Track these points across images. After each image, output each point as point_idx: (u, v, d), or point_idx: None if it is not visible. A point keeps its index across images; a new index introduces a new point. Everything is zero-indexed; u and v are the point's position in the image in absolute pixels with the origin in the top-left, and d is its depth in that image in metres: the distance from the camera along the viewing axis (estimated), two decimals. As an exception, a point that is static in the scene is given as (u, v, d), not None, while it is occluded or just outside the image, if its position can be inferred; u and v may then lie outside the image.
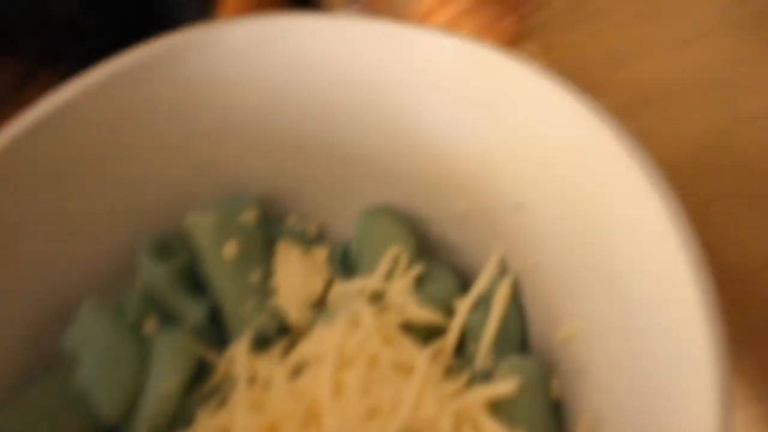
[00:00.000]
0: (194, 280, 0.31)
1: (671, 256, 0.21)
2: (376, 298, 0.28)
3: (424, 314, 0.27)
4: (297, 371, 0.27)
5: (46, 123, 0.26)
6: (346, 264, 0.32)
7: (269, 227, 0.31)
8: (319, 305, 0.30)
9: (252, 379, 0.28)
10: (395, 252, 0.29)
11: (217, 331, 0.30)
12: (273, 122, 0.30)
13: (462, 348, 0.28)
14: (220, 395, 0.28)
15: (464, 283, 0.29)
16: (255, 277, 0.30)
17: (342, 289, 0.29)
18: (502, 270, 0.28)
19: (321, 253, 0.31)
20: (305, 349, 0.27)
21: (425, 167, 0.29)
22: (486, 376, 0.26)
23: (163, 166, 0.30)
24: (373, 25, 0.27)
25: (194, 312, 0.30)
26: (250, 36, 0.27)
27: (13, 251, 0.27)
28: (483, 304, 0.28)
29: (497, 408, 0.25)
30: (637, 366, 0.22)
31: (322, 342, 0.27)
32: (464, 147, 0.28)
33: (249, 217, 0.30)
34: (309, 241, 0.32)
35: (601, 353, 0.25)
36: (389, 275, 0.29)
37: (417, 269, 0.29)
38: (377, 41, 0.27)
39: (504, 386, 0.25)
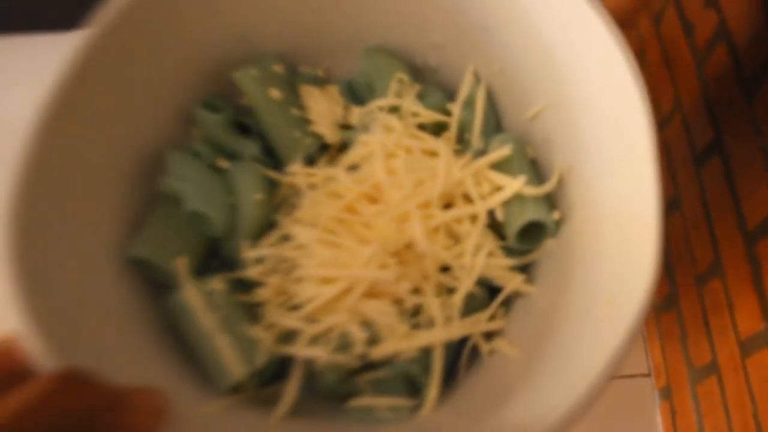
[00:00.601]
0: (240, 128, 0.40)
1: (609, 55, 0.31)
2: (393, 110, 0.39)
3: (431, 115, 0.38)
4: (352, 169, 0.37)
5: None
6: (353, 94, 0.41)
7: (291, 75, 0.40)
8: (343, 127, 0.40)
9: (312, 186, 0.38)
10: (400, 76, 0.39)
11: (269, 163, 0.39)
12: (295, 6, 0.38)
13: (460, 137, 0.39)
14: (289, 204, 0.38)
15: (449, 95, 0.40)
16: (295, 112, 0.39)
17: (362, 110, 0.39)
18: (477, 78, 0.39)
19: (333, 89, 0.41)
20: (355, 152, 0.37)
21: (406, 12, 0.39)
22: (481, 153, 0.38)
23: (210, 33, 0.37)
24: None
25: (250, 147, 0.39)
26: None
27: (127, 106, 0.34)
28: (468, 104, 0.39)
29: (497, 167, 0.36)
30: (583, 137, 0.34)
31: (367, 144, 0.37)
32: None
33: (279, 68, 0.39)
34: (321, 81, 0.41)
35: (558, 126, 0.36)
36: (398, 93, 0.39)
37: (416, 87, 0.39)
38: None
39: (501, 151, 0.36)
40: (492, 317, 0.35)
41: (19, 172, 0.30)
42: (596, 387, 0.26)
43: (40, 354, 0.26)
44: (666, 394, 0.87)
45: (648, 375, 0.92)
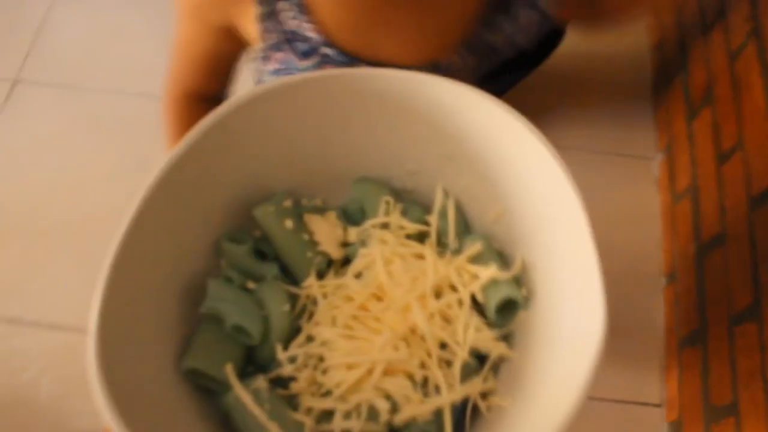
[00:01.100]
0: (259, 255, 0.49)
1: (551, 170, 0.42)
2: (384, 227, 0.48)
3: (415, 227, 0.48)
4: (357, 277, 0.46)
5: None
6: (347, 217, 0.51)
7: (296, 207, 0.50)
8: (343, 244, 0.49)
9: (325, 295, 0.47)
10: (386, 198, 0.49)
11: (286, 281, 0.48)
12: (296, 153, 0.48)
13: (439, 241, 0.48)
14: (308, 312, 0.47)
15: (426, 209, 0.50)
16: (305, 237, 0.48)
17: (358, 229, 0.49)
18: (446, 194, 0.49)
19: (331, 215, 0.50)
20: (358, 262, 0.46)
21: (385, 148, 0.49)
22: (457, 251, 0.48)
23: (233, 182, 0.47)
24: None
25: (271, 269, 0.48)
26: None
27: (174, 243, 0.43)
28: (442, 215, 0.49)
29: (473, 260, 0.46)
30: (534, 235, 0.44)
31: (368, 255, 0.46)
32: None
33: (288, 203, 0.49)
34: (320, 210, 0.51)
35: (514, 226, 0.46)
36: (386, 212, 0.49)
37: (399, 206, 0.49)
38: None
39: (473, 248, 0.46)
40: (485, 379, 0.44)
41: (100, 299, 0.38)
42: (571, 414, 0.35)
43: None
44: (676, 428, 0.87)
45: (659, 406, 0.91)
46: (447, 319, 0.44)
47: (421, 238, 0.49)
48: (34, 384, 1.01)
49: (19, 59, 1.37)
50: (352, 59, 0.55)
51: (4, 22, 1.48)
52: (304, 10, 0.53)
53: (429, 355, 0.43)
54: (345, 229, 0.50)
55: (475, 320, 0.44)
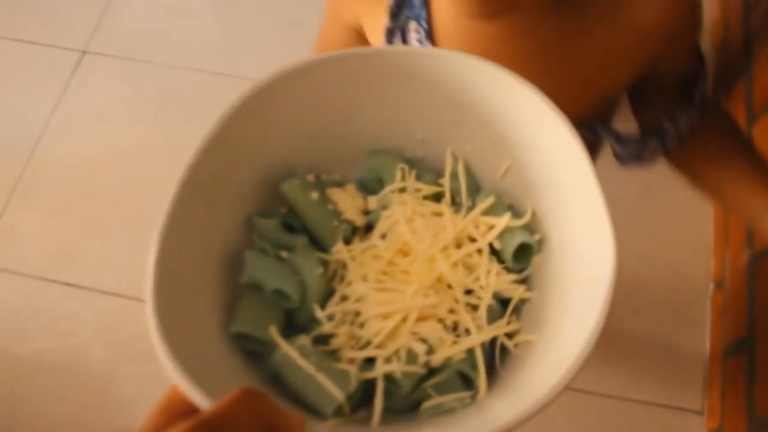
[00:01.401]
0: (287, 228, 0.52)
1: (553, 124, 0.46)
2: (401, 192, 0.52)
3: (431, 188, 0.52)
4: (383, 238, 0.50)
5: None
6: (364, 188, 0.55)
7: (317, 182, 0.53)
8: (364, 213, 0.53)
9: (353, 258, 0.50)
10: (401, 166, 0.53)
11: (316, 249, 0.52)
12: (316, 131, 0.52)
13: (453, 200, 0.52)
14: (339, 275, 0.50)
15: (438, 173, 0.54)
16: (329, 207, 0.52)
17: (378, 197, 0.52)
18: (455, 157, 0.53)
19: (350, 186, 0.54)
20: (382, 224, 0.50)
21: (396, 120, 0.53)
22: (471, 208, 0.51)
23: (262, 161, 0.51)
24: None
25: (300, 240, 0.51)
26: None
27: (212, 218, 0.47)
28: (453, 176, 0.53)
29: (487, 213, 0.50)
30: (548, 177, 0.48)
31: (390, 216, 0.50)
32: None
33: (311, 177, 0.52)
34: (339, 183, 0.54)
35: (520, 181, 0.50)
36: (402, 179, 0.52)
37: (413, 172, 0.53)
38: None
39: (486, 202, 0.50)
40: (509, 321, 0.47)
41: (153, 271, 0.42)
42: (586, 350, 0.39)
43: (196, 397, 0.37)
44: (717, 436, 0.83)
45: (700, 413, 0.92)
46: (469, 268, 0.48)
47: (437, 198, 0.52)
48: (85, 347, 1.04)
49: (88, 31, 1.42)
50: None
51: None
52: (430, 35, 0.56)
53: (456, 301, 0.47)
54: (365, 198, 0.53)
55: (495, 266, 0.48)
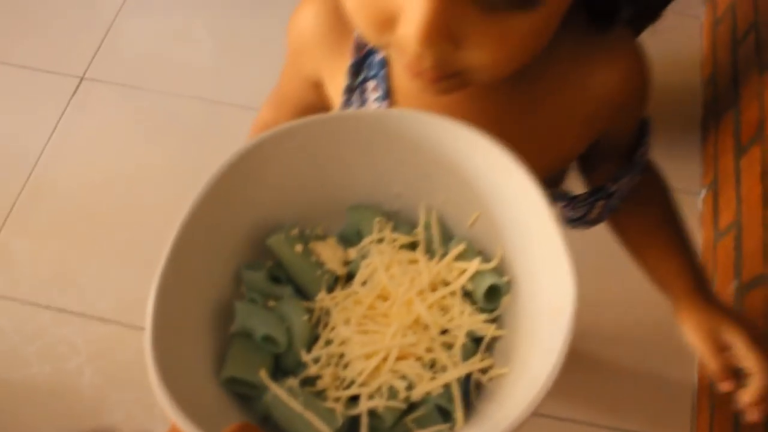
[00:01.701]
0: (273, 279, 0.56)
1: (518, 179, 0.51)
2: (379, 242, 0.56)
3: (406, 238, 0.56)
4: (363, 285, 0.54)
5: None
6: (345, 242, 0.59)
7: (301, 236, 0.57)
8: (345, 263, 0.57)
9: (336, 305, 0.54)
10: (378, 219, 0.57)
11: (301, 298, 0.55)
12: (300, 189, 0.56)
13: (428, 249, 0.57)
14: (323, 322, 0.54)
15: (413, 224, 0.58)
16: (313, 259, 0.56)
17: (358, 247, 0.57)
18: (428, 209, 0.58)
19: (332, 240, 0.58)
20: (362, 273, 0.54)
21: (373, 177, 0.58)
22: (445, 255, 0.56)
23: (249, 219, 0.55)
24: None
25: (286, 290, 0.55)
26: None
27: (206, 271, 0.51)
28: (426, 226, 0.57)
29: (460, 259, 0.54)
30: (513, 223, 0.53)
31: (370, 264, 0.54)
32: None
33: (296, 232, 0.56)
34: (321, 237, 0.58)
35: (489, 230, 0.55)
36: (380, 230, 0.57)
37: (390, 224, 0.57)
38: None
39: (458, 248, 0.54)
40: (482, 358, 0.51)
41: (150, 323, 0.45)
42: (553, 375, 0.42)
43: None
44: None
45: None
46: (444, 309, 0.52)
47: (412, 247, 0.57)
48: (78, 373, 1.05)
49: (87, 57, 1.47)
50: None
51: (77, 20, 1.58)
52: (389, 95, 0.59)
53: (433, 340, 0.51)
54: (345, 250, 0.58)
55: (468, 307, 0.52)
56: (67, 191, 1.29)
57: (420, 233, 0.57)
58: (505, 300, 0.53)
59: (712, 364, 0.66)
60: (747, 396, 0.63)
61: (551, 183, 0.68)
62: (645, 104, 0.65)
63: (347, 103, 0.63)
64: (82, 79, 1.43)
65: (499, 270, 0.53)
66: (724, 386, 0.65)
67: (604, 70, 0.60)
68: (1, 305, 1.14)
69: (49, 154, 1.33)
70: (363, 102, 0.62)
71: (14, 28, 1.59)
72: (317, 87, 0.66)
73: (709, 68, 1.38)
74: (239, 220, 0.55)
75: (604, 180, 0.68)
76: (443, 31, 0.44)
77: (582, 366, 1.14)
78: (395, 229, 0.57)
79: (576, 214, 0.71)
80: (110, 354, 1.07)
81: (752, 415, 0.63)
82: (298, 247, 0.55)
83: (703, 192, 1.21)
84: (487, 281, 0.52)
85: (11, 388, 1.04)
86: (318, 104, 0.69)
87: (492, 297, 0.53)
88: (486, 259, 0.55)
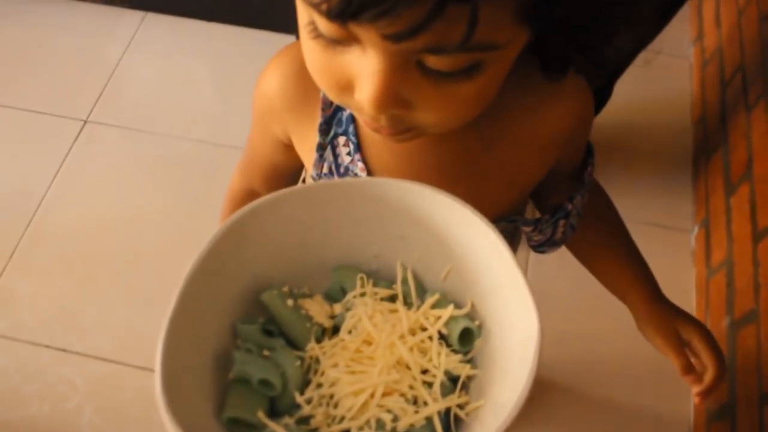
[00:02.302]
0: (266, 332, 0.62)
1: (486, 236, 0.58)
2: (362, 296, 0.62)
3: (386, 292, 0.62)
4: (349, 333, 0.60)
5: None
6: (330, 298, 0.65)
7: (290, 293, 0.63)
8: (332, 318, 0.63)
9: (324, 353, 0.59)
10: (361, 275, 0.63)
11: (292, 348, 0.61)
12: (288, 253, 0.63)
13: (406, 301, 0.63)
14: (313, 369, 0.59)
15: (391, 281, 0.64)
16: (302, 312, 0.61)
17: (342, 302, 0.63)
18: (404, 267, 0.64)
19: (318, 297, 0.64)
20: (348, 323, 0.60)
21: (353, 239, 0.65)
22: (421, 305, 0.62)
23: (242, 279, 0.61)
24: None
25: (278, 341, 0.60)
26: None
27: (207, 325, 0.56)
28: (404, 282, 0.63)
29: (434, 307, 0.60)
30: (483, 274, 0.60)
31: (354, 315, 0.60)
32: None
33: (286, 289, 0.62)
34: (308, 295, 0.64)
35: (461, 282, 0.62)
36: (362, 287, 0.63)
37: (371, 281, 0.64)
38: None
39: (433, 298, 0.61)
40: (459, 395, 0.57)
41: (160, 371, 0.50)
42: (521, 400, 0.48)
43: None
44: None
45: None
46: (423, 351, 0.58)
47: (392, 299, 0.63)
48: (77, 412, 1.04)
49: (91, 101, 1.49)
50: None
51: (81, 64, 1.61)
52: (359, 147, 0.65)
53: (414, 378, 0.56)
54: (331, 306, 0.64)
55: (444, 350, 0.58)
56: (69, 233, 1.32)
57: (398, 288, 0.63)
58: (477, 343, 0.59)
59: (677, 361, 0.73)
60: (702, 386, 0.71)
61: (517, 211, 0.75)
62: (590, 128, 0.73)
63: (320, 160, 0.68)
64: (85, 122, 1.48)
65: (471, 315, 0.60)
66: (688, 379, 0.72)
67: (556, 105, 0.67)
68: (3, 345, 1.15)
69: (52, 195, 1.37)
70: (335, 157, 0.67)
71: (19, 72, 1.65)
72: (286, 148, 0.70)
73: (699, 108, 1.43)
74: (234, 279, 0.61)
75: (562, 201, 0.75)
76: (393, 98, 0.49)
77: (576, 401, 1.17)
78: (375, 285, 0.64)
79: (543, 237, 0.77)
80: (109, 393, 1.08)
81: (701, 401, 0.72)
82: (290, 302, 0.61)
83: (696, 230, 1.25)
84: (461, 325, 0.59)
85: (11, 428, 1.04)
86: (287, 165, 0.73)
87: (466, 340, 0.59)
88: (459, 306, 0.61)
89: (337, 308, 0.63)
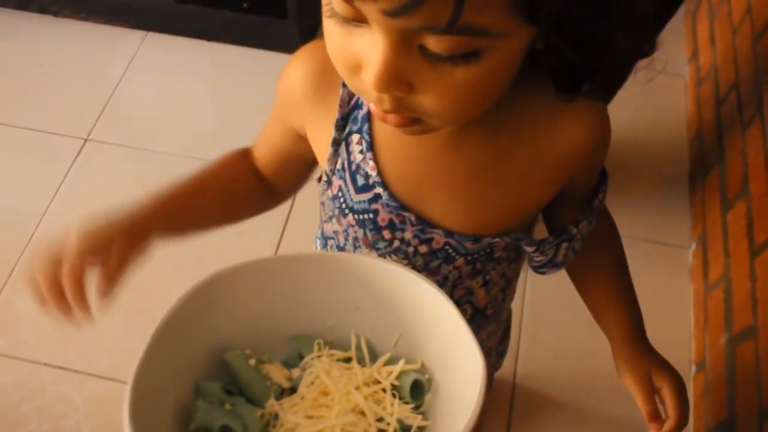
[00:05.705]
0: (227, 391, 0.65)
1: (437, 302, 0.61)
2: (319, 357, 0.66)
3: (342, 353, 0.67)
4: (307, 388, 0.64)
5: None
6: (288, 365, 0.68)
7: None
8: (290, 379, 0.66)
9: (283, 409, 0.63)
10: (318, 341, 0.67)
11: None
12: (248, 321, 0.67)
13: (359, 362, 0.66)
14: (272, 424, 0.63)
15: (346, 348, 0.68)
16: (263, 372, 0.65)
17: (300, 365, 0.66)
18: (358, 336, 0.68)
19: (277, 364, 0.68)
20: (306, 379, 0.64)
21: (309, 312, 0.68)
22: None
23: (206, 343, 0.65)
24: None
25: (239, 399, 0.64)
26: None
27: (171, 381, 0.61)
28: (357, 348, 0.67)
29: (387, 365, 0.64)
30: (431, 334, 0.64)
31: (313, 371, 0.64)
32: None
33: (249, 351, 0.66)
34: (267, 362, 0.67)
35: (411, 345, 0.65)
36: (319, 349, 0.67)
37: (327, 348, 0.67)
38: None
39: (385, 356, 0.65)
40: (412, 443, 0.61)
41: (128, 421, 0.54)
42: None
43: None
44: None
45: None
46: (377, 401, 0.62)
47: (347, 361, 0.67)
48: (76, 430, 1.06)
49: (91, 120, 1.51)
50: (401, 207, 0.67)
51: (82, 83, 1.64)
52: (372, 146, 0.66)
53: (369, 425, 0.60)
54: (290, 371, 0.67)
55: (396, 400, 0.63)
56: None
57: (352, 354, 0.68)
58: (428, 398, 0.63)
59: (644, 407, 0.74)
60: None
61: (524, 229, 0.75)
62: (606, 154, 0.73)
63: (335, 155, 0.68)
64: (86, 140, 1.50)
65: (421, 370, 0.64)
66: (651, 426, 0.74)
67: (573, 124, 0.66)
68: (2, 362, 1.17)
69: (52, 213, 1.38)
70: (348, 154, 0.68)
71: (19, 90, 1.66)
72: (300, 139, 0.72)
73: (694, 126, 1.43)
74: (198, 340, 0.65)
75: (566, 224, 0.75)
76: (395, 78, 0.50)
77: (575, 418, 1.19)
78: (331, 349, 0.68)
79: (545, 258, 0.76)
80: (108, 411, 1.08)
81: None
82: (252, 361, 0.65)
83: (693, 246, 1.24)
84: (411, 377, 0.63)
85: (9, 449, 1.07)
86: (297, 154, 0.74)
87: (417, 394, 0.63)
88: (409, 363, 0.65)
89: (296, 372, 0.67)
